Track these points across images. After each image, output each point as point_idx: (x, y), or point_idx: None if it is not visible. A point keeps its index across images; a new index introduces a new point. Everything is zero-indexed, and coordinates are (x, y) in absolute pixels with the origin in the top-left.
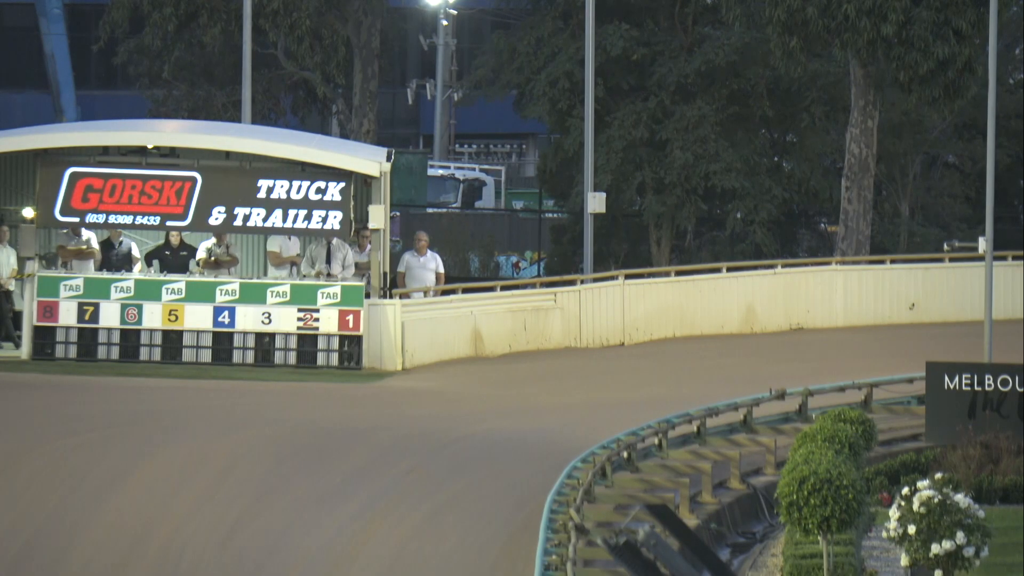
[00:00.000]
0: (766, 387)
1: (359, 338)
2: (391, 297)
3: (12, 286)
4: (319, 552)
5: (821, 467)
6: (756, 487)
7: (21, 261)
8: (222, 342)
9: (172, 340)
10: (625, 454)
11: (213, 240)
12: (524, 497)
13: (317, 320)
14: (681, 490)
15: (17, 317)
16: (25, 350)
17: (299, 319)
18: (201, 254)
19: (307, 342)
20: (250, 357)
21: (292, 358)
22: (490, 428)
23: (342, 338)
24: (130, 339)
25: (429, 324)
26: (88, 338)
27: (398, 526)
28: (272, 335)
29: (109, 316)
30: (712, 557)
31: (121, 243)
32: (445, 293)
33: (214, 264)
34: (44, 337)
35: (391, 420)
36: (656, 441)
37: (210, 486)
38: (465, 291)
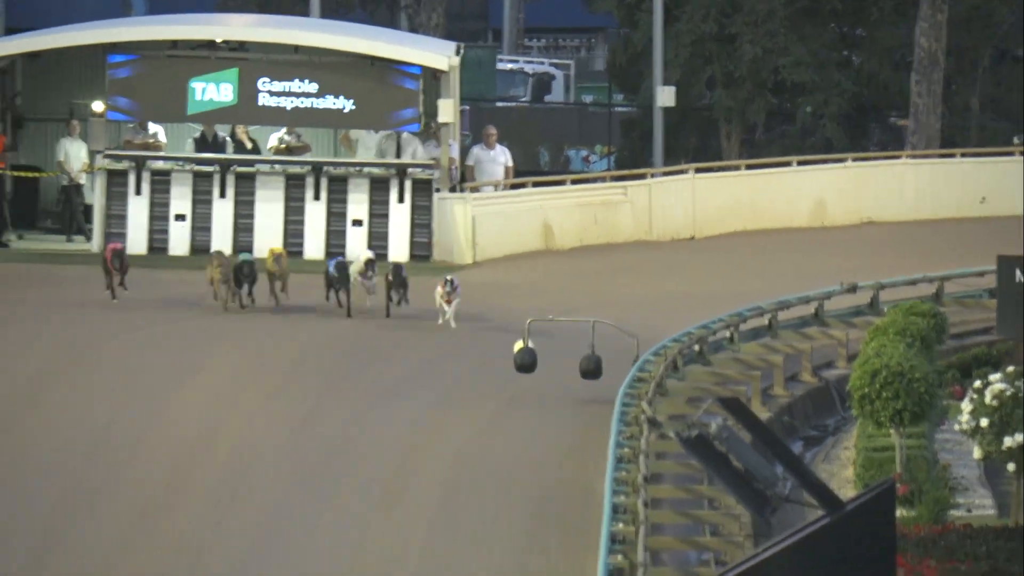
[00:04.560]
0: (837, 281)
1: (429, 231)
2: (461, 191)
3: (83, 180)
4: (391, 444)
5: (893, 360)
6: (828, 380)
7: (91, 155)
8: (294, 235)
9: (243, 232)
10: (696, 347)
11: (284, 129)
12: (595, 391)
13: (387, 213)
14: (753, 383)
15: (87, 210)
16: (96, 243)
17: (372, 211)
18: (272, 143)
19: (377, 235)
20: (321, 250)
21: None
22: (560, 322)
23: (412, 231)
24: (198, 232)
25: (499, 218)
26: (159, 229)
27: (470, 418)
28: (343, 230)
29: (177, 208)
30: (784, 450)
31: (215, 135)
32: (515, 187)
33: (286, 151)
34: (113, 228)
35: (462, 313)
36: (728, 334)
37: (281, 378)
38: (535, 185)
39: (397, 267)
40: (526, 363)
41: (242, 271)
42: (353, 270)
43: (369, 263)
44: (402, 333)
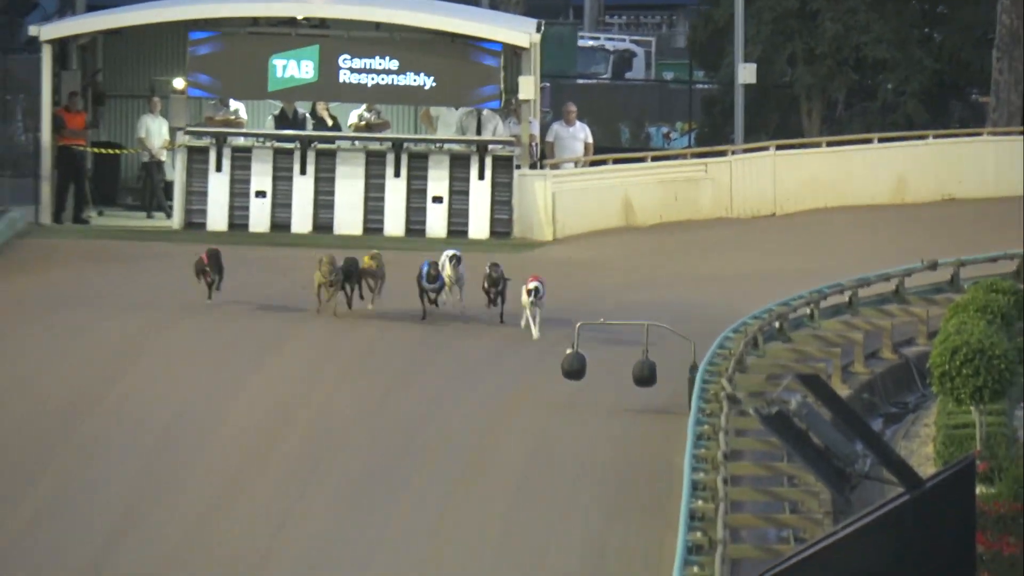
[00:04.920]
0: (917, 258)
1: (510, 208)
2: (541, 167)
3: (164, 156)
4: (470, 421)
5: (973, 337)
6: (908, 357)
7: (172, 132)
8: (373, 211)
9: (323, 209)
10: (777, 324)
11: (364, 106)
12: (675, 368)
13: (467, 190)
14: (833, 360)
15: (168, 187)
16: (177, 220)
17: (452, 188)
18: (352, 119)
19: (457, 212)
20: (401, 228)
21: (443, 227)
22: (641, 298)
23: (492, 208)
24: (279, 208)
25: (579, 194)
26: (239, 206)
27: (550, 394)
28: (423, 207)
29: (258, 185)
30: (864, 427)
31: (295, 112)
32: (595, 164)
33: (365, 128)
34: (194, 205)
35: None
36: (808, 311)
37: (361, 354)
38: (615, 162)
39: (495, 265)
40: (574, 369)
41: (348, 269)
42: (445, 273)
43: (455, 260)
44: (482, 309)
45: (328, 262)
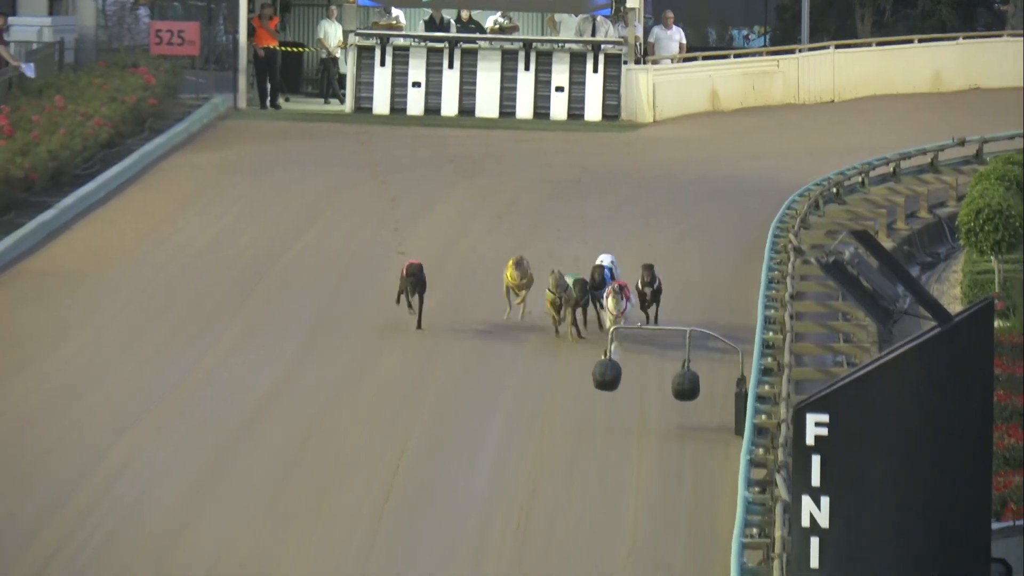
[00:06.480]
0: (949, 136)
1: (618, 96)
2: (643, 63)
3: (338, 54)
4: (587, 261)
5: (994, 200)
6: (940, 216)
7: (345, 34)
8: (507, 99)
9: (466, 96)
10: (834, 190)
11: (499, 13)
12: (752, 225)
13: (584, 81)
14: (879, 219)
15: (341, 79)
16: (348, 105)
17: (571, 80)
18: (489, 23)
19: (575, 99)
20: (530, 112)
21: (564, 112)
22: (725, 169)
23: (604, 96)
24: (430, 96)
25: (675, 85)
26: (399, 94)
27: (651, 248)
28: (548, 95)
29: (414, 77)
30: (904, 273)
31: (443, 18)
32: (687, 60)
33: (500, 31)
34: (363, 93)
35: (644, 162)
36: (859, 179)
37: (497, 215)
38: (704, 58)
39: (649, 268)
40: (607, 379)
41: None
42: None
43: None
44: (595, 179)
45: (554, 279)
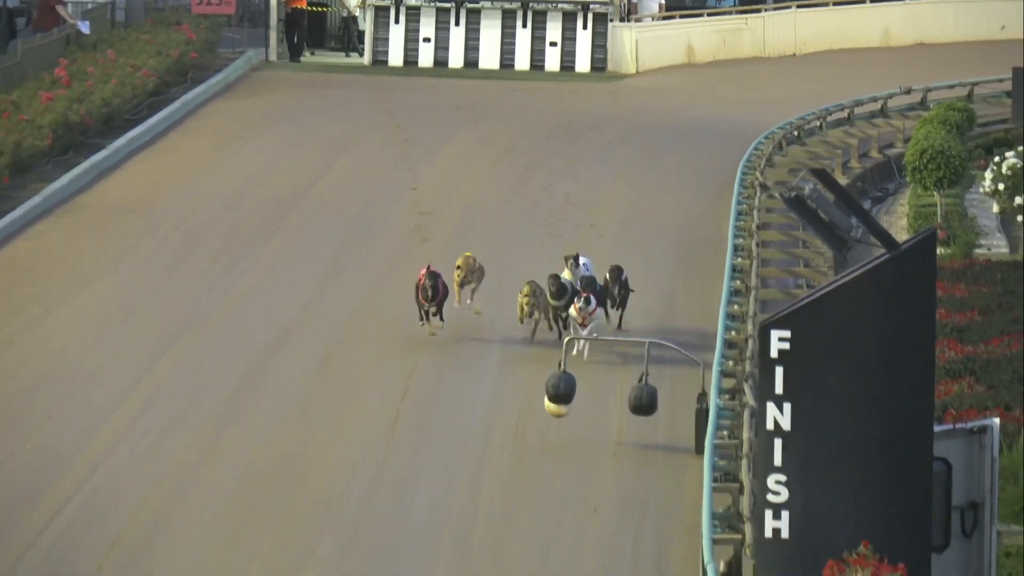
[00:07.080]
0: (897, 85)
1: (605, 50)
2: (627, 21)
3: (357, 13)
4: (577, 197)
5: (936, 142)
6: (889, 156)
7: None
8: (508, 53)
9: (471, 50)
10: (795, 133)
11: None
12: (723, 164)
13: (575, 37)
14: (836, 158)
15: (360, 35)
16: (366, 58)
17: (563, 36)
18: None
19: (567, 52)
20: (527, 64)
21: (557, 64)
22: (699, 115)
23: (592, 50)
24: (439, 50)
25: (655, 40)
26: (411, 48)
27: (634, 185)
28: (543, 50)
29: (425, 33)
30: (858, 207)
31: None
32: (666, 18)
33: None
34: (379, 48)
35: (628, 109)
36: (818, 124)
37: (498, 155)
38: (681, 16)
39: (617, 269)
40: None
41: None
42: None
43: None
44: (585, 123)
45: (530, 286)
